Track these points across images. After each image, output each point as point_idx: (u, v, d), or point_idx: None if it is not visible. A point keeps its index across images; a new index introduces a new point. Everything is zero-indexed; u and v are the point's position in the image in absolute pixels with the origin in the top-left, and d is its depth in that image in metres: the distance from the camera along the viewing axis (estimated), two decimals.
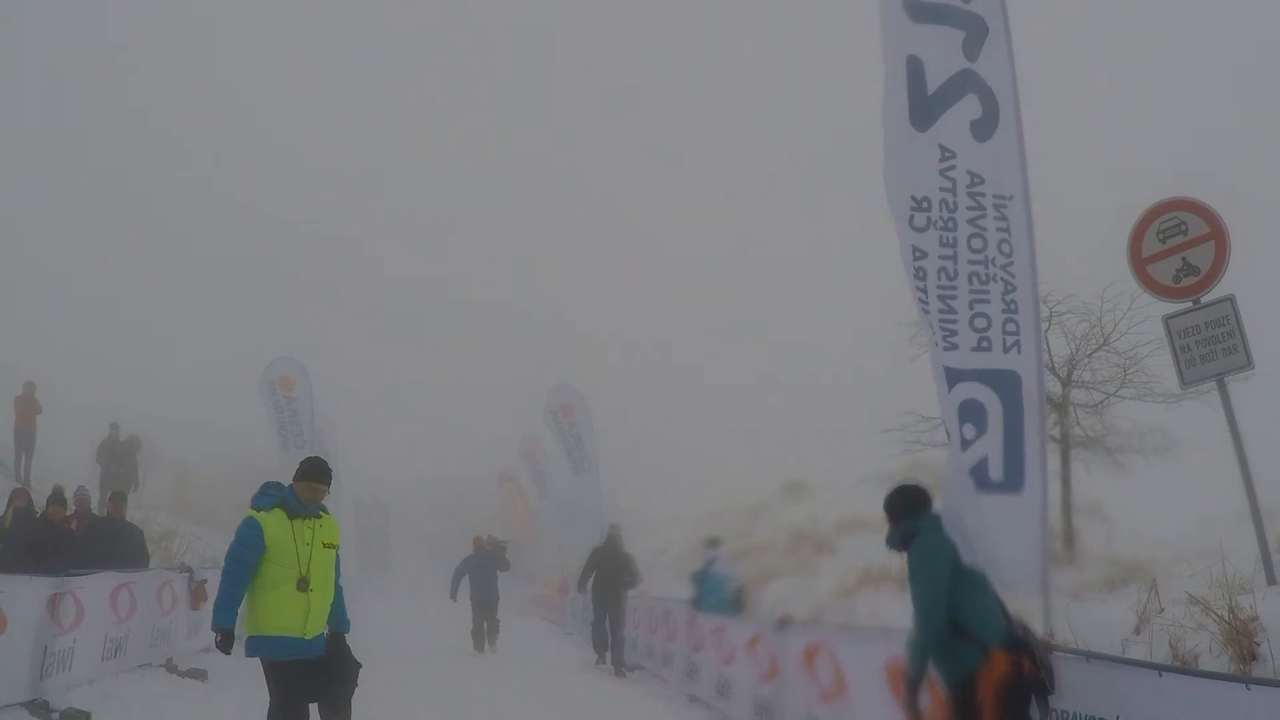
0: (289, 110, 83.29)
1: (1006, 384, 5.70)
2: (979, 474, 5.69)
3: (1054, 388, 11.86)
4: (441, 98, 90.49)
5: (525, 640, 17.77)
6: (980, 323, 5.77)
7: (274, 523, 6.00)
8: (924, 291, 5.86)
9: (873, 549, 17.19)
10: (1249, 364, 7.73)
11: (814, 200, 76.64)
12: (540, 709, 10.42)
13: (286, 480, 6.36)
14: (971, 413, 5.78)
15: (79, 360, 31.83)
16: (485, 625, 15.96)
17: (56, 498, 11.36)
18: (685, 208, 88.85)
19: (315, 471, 6.24)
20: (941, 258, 5.86)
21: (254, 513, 6.06)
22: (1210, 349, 7.87)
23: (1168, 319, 8.18)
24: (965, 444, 5.76)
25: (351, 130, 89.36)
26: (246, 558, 5.93)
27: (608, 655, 14.33)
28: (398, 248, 70.81)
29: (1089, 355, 12.03)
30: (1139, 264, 8.24)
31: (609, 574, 14.56)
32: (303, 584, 5.95)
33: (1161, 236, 8.13)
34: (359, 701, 6.50)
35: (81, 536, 11.08)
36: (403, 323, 64.77)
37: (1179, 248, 8.04)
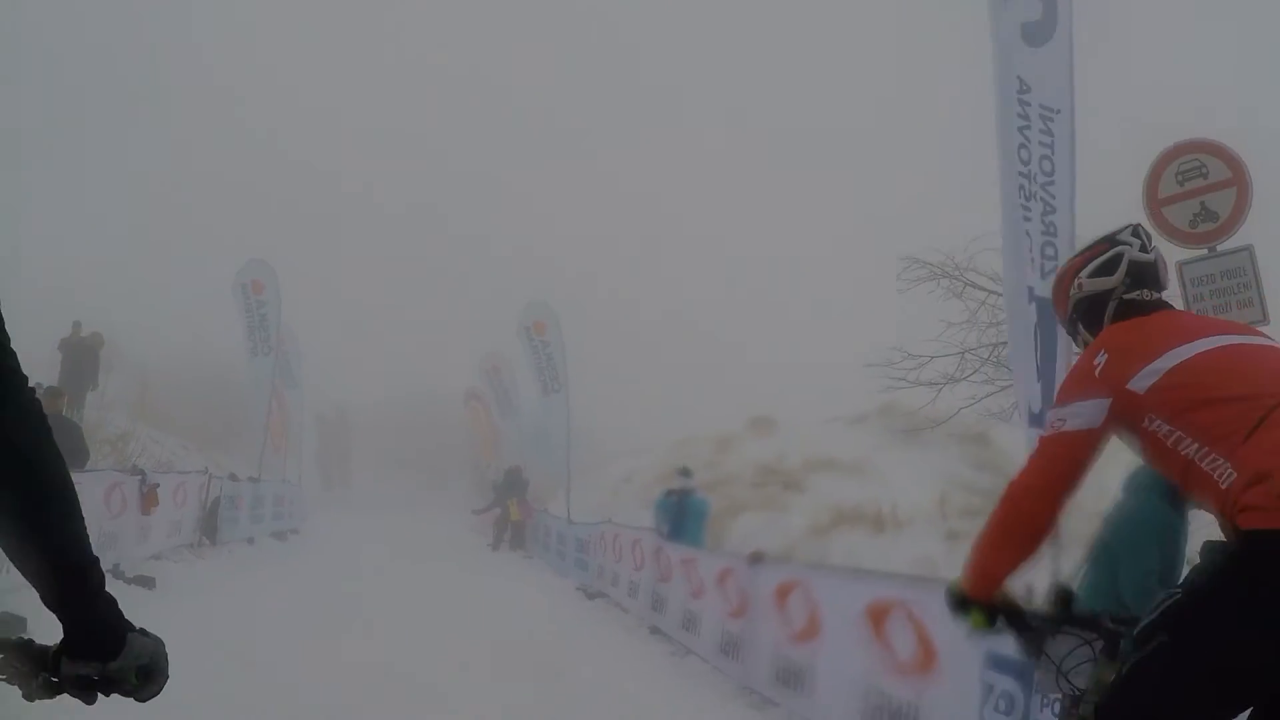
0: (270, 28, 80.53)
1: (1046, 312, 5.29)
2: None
3: None
4: (410, 21, 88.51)
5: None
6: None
7: None
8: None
9: (843, 489, 17.08)
10: (1264, 318, 7.30)
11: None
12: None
13: None
14: None
15: (43, 256, 30.65)
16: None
17: None
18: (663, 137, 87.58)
19: None
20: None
21: None
22: (1224, 300, 7.47)
23: (1181, 265, 7.74)
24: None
25: (330, 48, 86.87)
26: None
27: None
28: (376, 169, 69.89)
29: None
30: (1154, 205, 7.79)
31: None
32: None
33: (1180, 179, 7.67)
34: None
35: None
36: (374, 238, 63.84)
37: (1198, 191, 7.59)
